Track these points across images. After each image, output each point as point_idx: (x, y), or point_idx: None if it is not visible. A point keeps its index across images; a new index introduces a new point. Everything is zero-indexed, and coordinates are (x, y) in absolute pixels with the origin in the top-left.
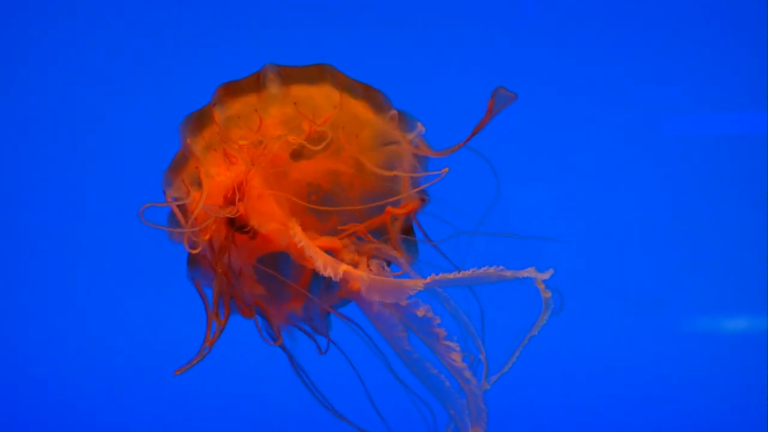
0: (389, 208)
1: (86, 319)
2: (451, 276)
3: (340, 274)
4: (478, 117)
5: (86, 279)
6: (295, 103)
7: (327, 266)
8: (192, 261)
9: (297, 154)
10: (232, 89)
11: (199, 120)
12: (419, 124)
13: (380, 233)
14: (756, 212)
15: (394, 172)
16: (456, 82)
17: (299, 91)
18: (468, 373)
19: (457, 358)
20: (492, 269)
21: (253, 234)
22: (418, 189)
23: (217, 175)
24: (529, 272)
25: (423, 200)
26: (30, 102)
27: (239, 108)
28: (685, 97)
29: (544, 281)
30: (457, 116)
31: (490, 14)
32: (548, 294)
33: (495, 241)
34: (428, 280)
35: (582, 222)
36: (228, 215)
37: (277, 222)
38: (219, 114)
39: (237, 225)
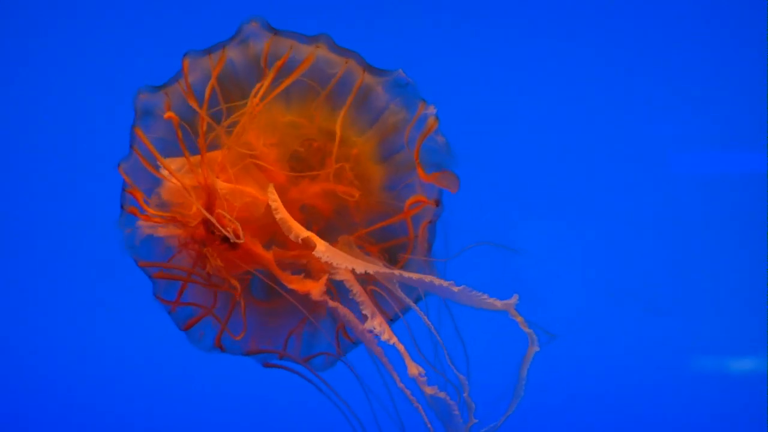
0: (407, 205)
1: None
2: (413, 276)
3: (302, 237)
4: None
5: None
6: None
7: (293, 232)
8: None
9: (297, 174)
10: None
11: (163, 84)
12: (432, 107)
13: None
14: (763, 252)
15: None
16: (459, 120)
17: (283, 42)
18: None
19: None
20: (460, 288)
21: (233, 244)
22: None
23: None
24: (498, 303)
25: (437, 202)
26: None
27: (215, 57)
28: (694, 135)
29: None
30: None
31: (495, 53)
32: (529, 330)
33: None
34: (388, 270)
35: (588, 258)
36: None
37: (251, 195)
38: (188, 60)
39: (216, 232)
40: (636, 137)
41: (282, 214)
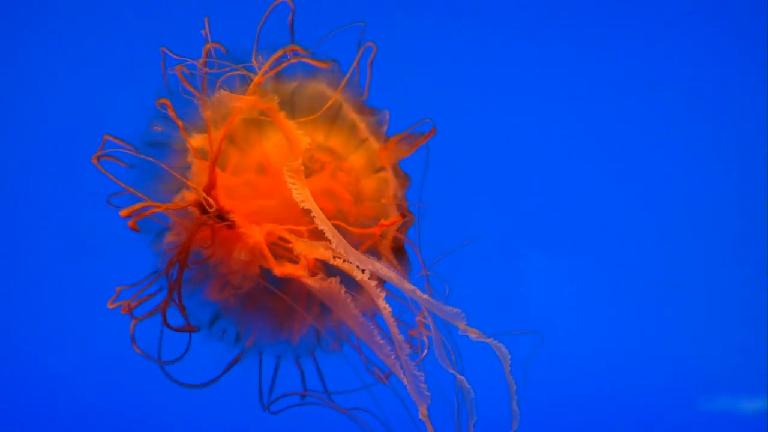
0: (381, 222)
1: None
2: (385, 270)
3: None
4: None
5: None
6: None
7: (308, 205)
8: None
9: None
10: None
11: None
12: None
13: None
14: None
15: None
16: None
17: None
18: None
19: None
20: (420, 292)
21: (231, 222)
22: (401, 208)
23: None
24: (452, 316)
25: (405, 216)
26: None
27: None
28: (696, 143)
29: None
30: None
31: (491, 58)
32: (499, 346)
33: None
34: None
35: (596, 295)
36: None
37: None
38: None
39: (214, 211)
40: (637, 153)
41: (301, 186)
